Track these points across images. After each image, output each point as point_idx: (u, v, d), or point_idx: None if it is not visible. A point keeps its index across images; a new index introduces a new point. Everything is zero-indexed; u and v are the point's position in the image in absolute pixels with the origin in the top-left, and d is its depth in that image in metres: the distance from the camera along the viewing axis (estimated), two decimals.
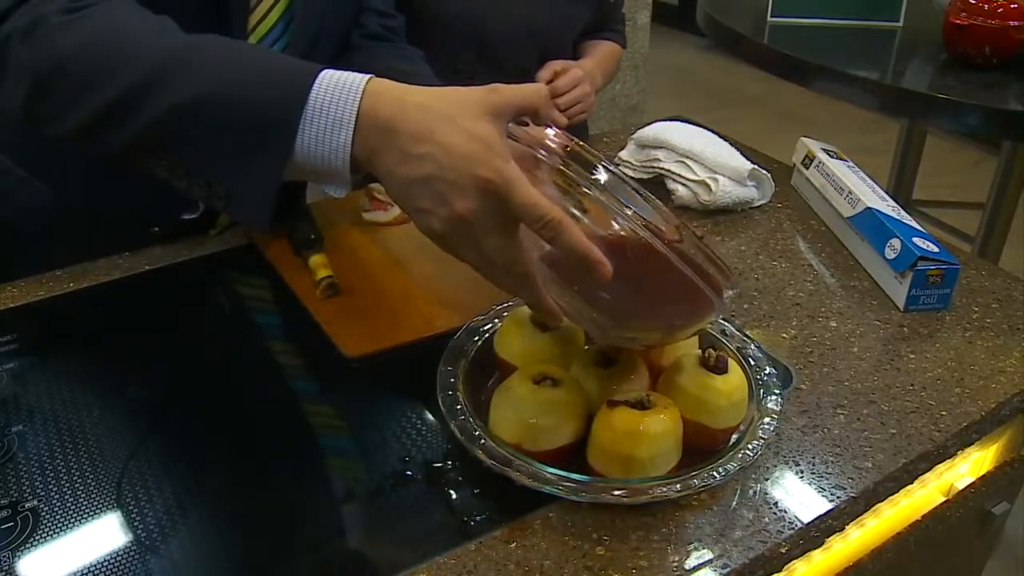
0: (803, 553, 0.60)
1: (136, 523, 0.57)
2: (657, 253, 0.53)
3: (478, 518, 0.58)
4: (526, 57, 1.19)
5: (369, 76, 0.56)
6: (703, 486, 0.57)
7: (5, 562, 0.54)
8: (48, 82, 0.61)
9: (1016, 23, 1.28)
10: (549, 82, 1.16)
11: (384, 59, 0.96)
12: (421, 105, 0.54)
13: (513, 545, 0.56)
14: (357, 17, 0.96)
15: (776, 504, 0.60)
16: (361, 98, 0.55)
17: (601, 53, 1.29)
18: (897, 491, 0.65)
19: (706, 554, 0.56)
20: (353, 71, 0.56)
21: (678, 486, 0.57)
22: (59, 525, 0.56)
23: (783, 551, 0.57)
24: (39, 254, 0.84)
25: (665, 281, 0.56)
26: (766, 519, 0.59)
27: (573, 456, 0.61)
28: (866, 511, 0.63)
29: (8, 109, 0.63)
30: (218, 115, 0.56)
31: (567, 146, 0.55)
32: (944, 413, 0.69)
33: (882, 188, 0.93)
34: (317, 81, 0.55)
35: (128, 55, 0.59)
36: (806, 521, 0.59)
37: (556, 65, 1.17)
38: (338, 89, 0.55)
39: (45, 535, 0.56)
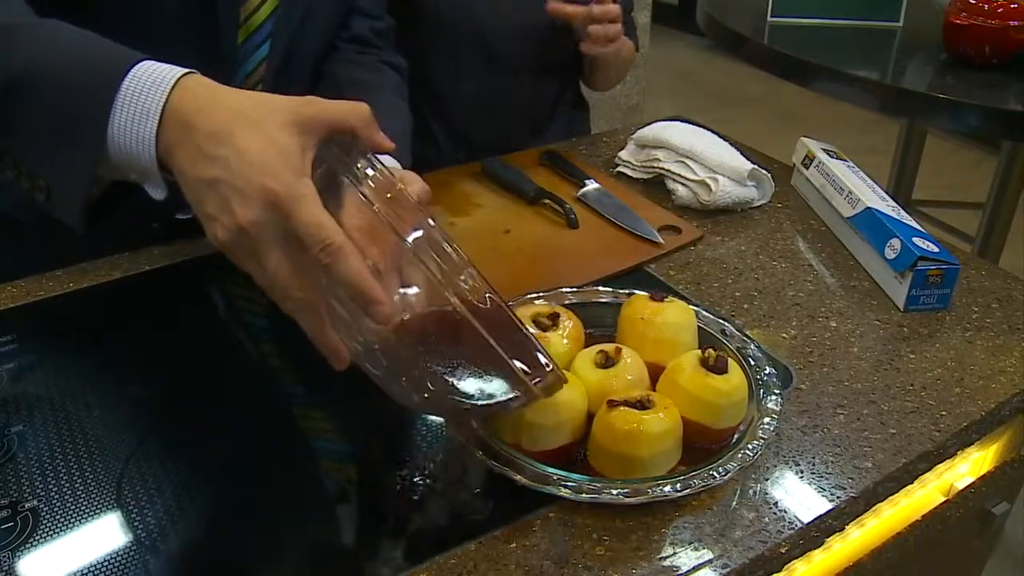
0: (803, 553, 0.60)
1: (136, 523, 0.57)
2: (464, 321, 0.49)
3: (478, 518, 0.58)
4: (527, 56, 1.19)
5: (189, 71, 0.54)
6: (703, 486, 0.57)
7: (5, 562, 0.54)
8: None
9: (1016, 23, 1.28)
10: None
11: (349, 68, 0.94)
12: (228, 106, 0.52)
13: (513, 545, 0.56)
14: (344, 18, 0.96)
15: (776, 504, 0.60)
16: (171, 90, 0.52)
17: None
18: (897, 491, 0.65)
19: (706, 554, 0.56)
20: (179, 66, 0.54)
21: (678, 486, 0.57)
22: (59, 525, 0.56)
23: (783, 551, 0.57)
24: (40, 250, 0.84)
25: (471, 351, 0.51)
26: (766, 519, 0.59)
27: (573, 456, 0.61)
28: (866, 511, 0.63)
29: None
30: (34, 97, 0.54)
31: (387, 192, 0.51)
32: (944, 413, 0.69)
33: (882, 188, 0.93)
34: (133, 70, 0.53)
35: None
36: (806, 521, 0.59)
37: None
38: (151, 79, 0.53)
39: (45, 535, 0.56)
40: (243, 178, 0.49)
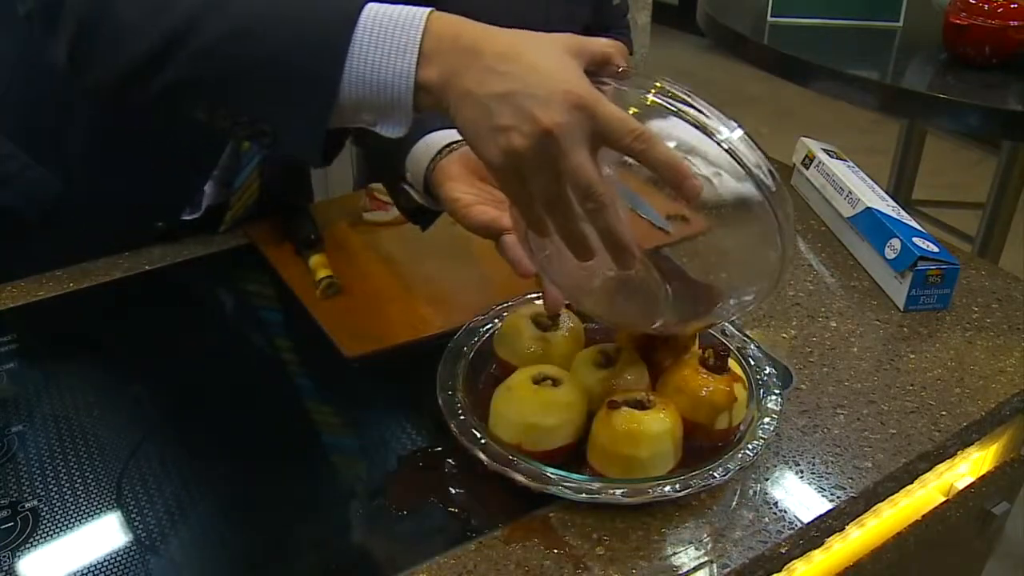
0: (803, 553, 0.60)
1: (136, 523, 0.57)
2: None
3: (478, 518, 0.58)
4: None
5: (430, 8, 0.56)
6: (703, 486, 0.57)
7: (5, 562, 0.54)
8: (93, 21, 0.59)
9: (1016, 23, 1.28)
10: None
11: None
12: (506, 33, 0.54)
13: (513, 545, 0.56)
14: None
15: (776, 504, 0.60)
16: (426, 24, 0.54)
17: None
18: (897, 491, 0.65)
19: (706, 554, 0.56)
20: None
21: (678, 486, 0.57)
22: (59, 525, 0.56)
23: (783, 551, 0.57)
24: (42, 247, 0.84)
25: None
26: (766, 519, 0.59)
27: (573, 456, 0.61)
28: (866, 511, 0.63)
29: (55, 57, 0.62)
30: (259, 46, 0.56)
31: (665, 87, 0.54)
32: (944, 413, 0.69)
33: (882, 188, 0.93)
34: (367, 8, 0.55)
35: None
36: (806, 521, 0.59)
37: None
38: (396, 17, 0.54)
39: (45, 535, 0.56)
40: (542, 87, 0.50)
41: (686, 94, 0.54)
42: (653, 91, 0.54)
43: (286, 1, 0.57)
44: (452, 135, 0.75)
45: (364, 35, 0.54)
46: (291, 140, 0.58)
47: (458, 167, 0.73)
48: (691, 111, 0.53)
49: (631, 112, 0.52)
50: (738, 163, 0.53)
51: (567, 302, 0.67)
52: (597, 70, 0.55)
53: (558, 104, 0.50)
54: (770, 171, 0.54)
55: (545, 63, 0.52)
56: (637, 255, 0.55)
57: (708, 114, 0.54)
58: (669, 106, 0.53)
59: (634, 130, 0.51)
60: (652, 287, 0.62)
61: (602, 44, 0.55)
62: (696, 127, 0.53)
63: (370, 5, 0.55)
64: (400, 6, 0.55)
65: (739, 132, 0.54)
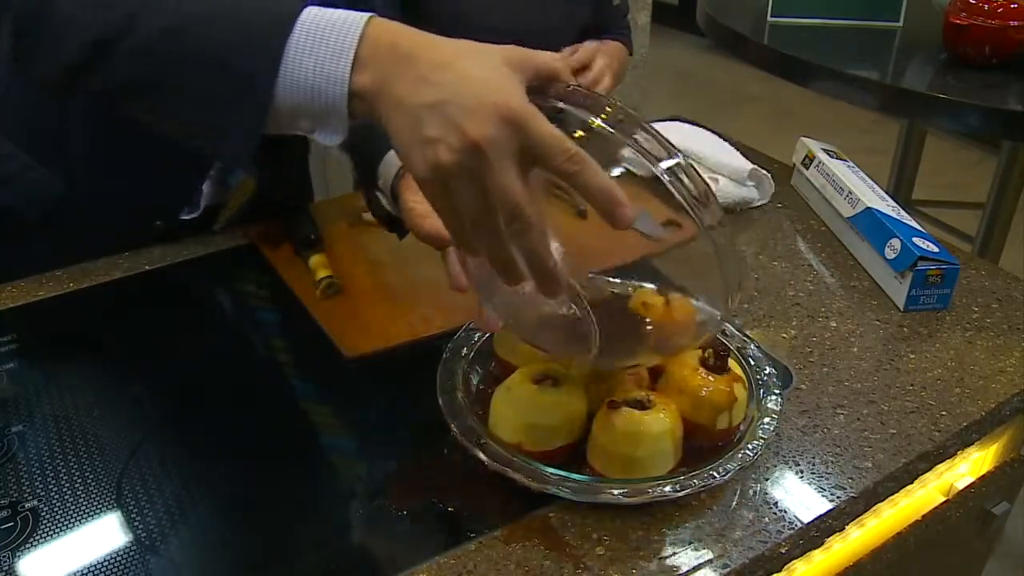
0: (803, 553, 0.60)
1: (136, 523, 0.57)
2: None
3: (478, 518, 0.58)
4: None
5: (371, 13, 0.54)
6: (703, 486, 0.57)
7: (5, 562, 0.54)
8: (35, 14, 0.58)
9: (1016, 23, 1.28)
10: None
11: None
12: (445, 42, 0.53)
13: (513, 545, 0.56)
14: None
15: (776, 504, 0.60)
16: (364, 29, 0.53)
17: (608, 49, 1.29)
18: (897, 491, 0.65)
19: (706, 554, 0.56)
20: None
21: (678, 486, 0.57)
22: (59, 525, 0.56)
23: (783, 551, 0.57)
24: (42, 247, 0.84)
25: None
26: (766, 519, 0.59)
27: (573, 456, 0.61)
28: (866, 511, 0.63)
29: (2, 51, 0.61)
30: (200, 43, 0.55)
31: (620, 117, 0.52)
32: (944, 413, 0.69)
33: (882, 188, 0.93)
34: (305, 12, 0.54)
35: None
36: (806, 521, 0.59)
37: (566, 51, 1.17)
38: (334, 21, 0.53)
39: (45, 535, 0.56)
40: (474, 98, 0.48)
41: (637, 121, 0.52)
42: (603, 116, 0.51)
43: (226, 2, 0.56)
44: None
45: (301, 38, 0.53)
46: (227, 145, 0.56)
47: None
48: (637, 138, 0.51)
49: (576, 135, 0.50)
50: (674, 193, 0.51)
51: (502, 324, 0.64)
52: (543, 86, 0.53)
53: (488, 117, 0.48)
54: (715, 203, 0.53)
55: (481, 74, 0.50)
56: (563, 284, 0.52)
57: (654, 142, 0.52)
58: (614, 131, 0.51)
59: (567, 150, 0.48)
60: (583, 320, 0.59)
61: (548, 58, 0.53)
62: (640, 154, 0.51)
63: (309, 8, 0.54)
64: (339, 10, 0.54)
65: (681, 161, 0.52)
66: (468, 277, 0.62)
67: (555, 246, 0.52)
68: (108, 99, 0.60)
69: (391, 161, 0.75)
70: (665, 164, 0.51)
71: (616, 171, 0.52)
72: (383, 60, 0.52)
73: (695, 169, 0.52)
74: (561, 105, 0.52)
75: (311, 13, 0.54)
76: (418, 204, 0.69)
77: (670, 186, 0.51)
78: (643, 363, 0.65)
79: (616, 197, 0.49)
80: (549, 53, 0.54)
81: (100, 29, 0.56)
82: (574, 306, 0.59)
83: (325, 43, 0.52)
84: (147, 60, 0.56)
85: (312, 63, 0.52)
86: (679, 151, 0.52)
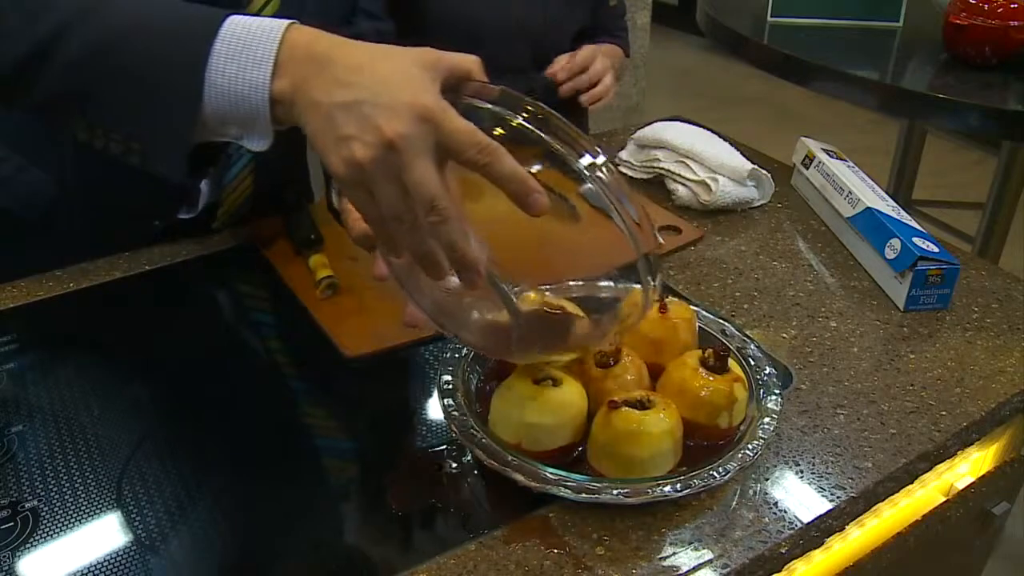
0: (803, 553, 0.60)
1: (136, 523, 0.57)
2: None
3: (478, 518, 0.58)
4: (520, 57, 1.19)
5: (291, 20, 0.56)
6: (703, 486, 0.57)
7: (5, 562, 0.54)
8: None
9: (1016, 23, 1.28)
10: (559, 79, 1.16)
11: None
12: (360, 46, 0.54)
13: (513, 545, 0.56)
14: (348, 19, 0.96)
15: (776, 504, 0.60)
16: (283, 35, 0.54)
17: (606, 51, 1.29)
18: (897, 491, 0.65)
19: (706, 554, 0.56)
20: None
21: (678, 486, 0.57)
22: (59, 525, 0.56)
23: (783, 551, 0.57)
24: (41, 247, 0.84)
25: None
26: (766, 519, 0.59)
27: (573, 456, 0.61)
28: (866, 511, 0.63)
29: None
30: (124, 60, 0.56)
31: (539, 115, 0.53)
32: (944, 413, 0.69)
33: (882, 188, 0.93)
34: (226, 23, 0.55)
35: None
36: (806, 521, 0.59)
37: (563, 58, 1.17)
38: (254, 30, 0.54)
39: (45, 535, 0.56)
40: (389, 96, 0.50)
41: (557, 119, 0.53)
42: (524, 115, 0.53)
43: (153, 14, 0.57)
44: None
45: (223, 48, 0.54)
46: (158, 156, 0.57)
47: None
48: (556, 136, 0.52)
49: (496, 133, 0.52)
50: (600, 190, 0.52)
51: (427, 320, 0.64)
52: (457, 84, 0.54)
53: (402, 115, 0.50)
54: (632, 202, 0.54)
55: (395, 76, 0.51)
56: (482, 273, 0.54)
57: (573, 141, 0.52)
58: (533, 130, 0.52)
59: (479, 143, 0.50)
60: (504, 315, 0.61)
61: (460, 59, 0.55)
62: (558, 153, 0.52)
63: (232, 18, 0.55)
64: (261, 18, 0.55)
65: (602, 159, 0.53)
66: (392, 275, 0.63)
67: (476, 241, 0.54)
68: (45, 112, 0.60)
69: None
70: (585, 161, 0.52)
71: (536, 167, 0.53)
72: (300, 64, 0.53)
73: (614, 166, 0.53)
74: (476, 102, 0.54)
75: (234, 22, 0.55)
76: (350, 205, 0.70)
77: (590, 182, 0.52)
78: (561, 357, 0.64)
79: (529, 184, 0.51)
80: (462, 54, 0.56)
81: (34, 42, 0.57)
82: (495, 294, 0.60)
83: (246, 51, 0.54)
84: (76, 75, 0.57)
85: (234, 70, 0.54)
86: (598, 148, 0.53)
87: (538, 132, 0.52)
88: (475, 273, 0.54)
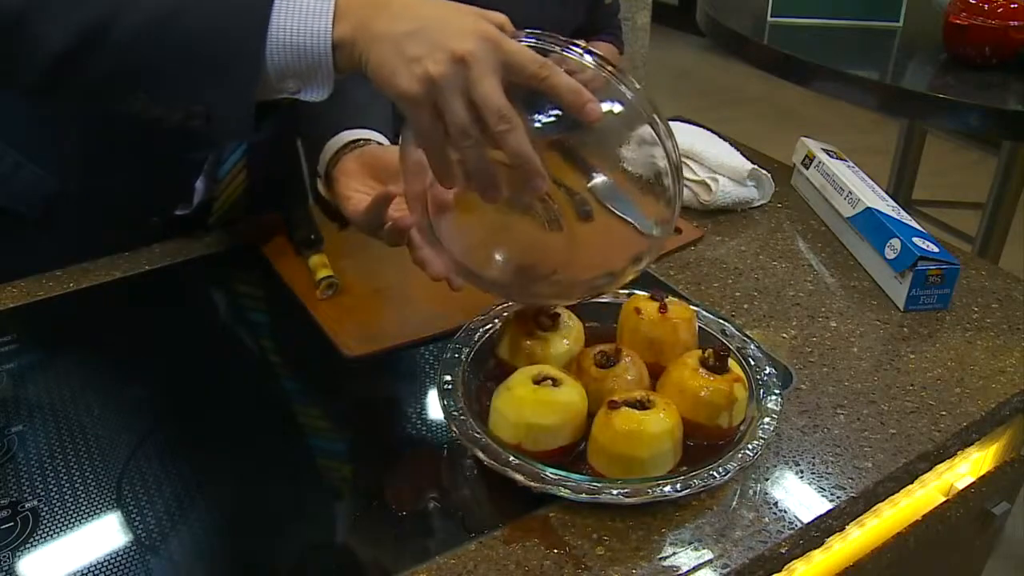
0: (803, 553, 0.60)
1: (136, 523, 0.57)
2: None
3: (478, 518, 0.58)
4: None
5: None
6: (703, 486, 0.57)
7: (5, 562, 0.54)
8: (19, 13, 0.58)
9: (1016, 23, 1.28)
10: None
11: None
12: None
13: (513, 545, 0.56)
14: None
15: (776, 504, 0.60)
16: None
17: (602, 49, 1.29)
18: (897, 491, 0.65)
19: (706, 554, 0.56)
20: None
21: (678, 486, 0.57)
22: (59, 525, 0.56)
23: (783, 551, 0.57)
24: (39, 244, 0.84)
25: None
26: (766, 519, 0.59)
27: (573, 456, 0.61)
28: (866, 511, 0.63)
29: None
30: (188, 24, 0.57)
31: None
32: (944, 413, 0.69)
33: (882, 188, 0.93)
34: None
35: None
36: (806, 521, 0.59)
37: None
38: None
39: (45, 535, 0.56)
40: (454, 23, 0.54)
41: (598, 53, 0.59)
42: (568, 47, 0.59)
43: None
44: (360, 133, 0.77)
45: (283, 3, 0.56)
46: (223, 117, 0.59)
47: (355, 164, 0.74)
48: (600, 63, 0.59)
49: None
50: (609, 77, 0.58)
51: (454, 275, 0.67)
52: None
53: (468, 36, 0.53)
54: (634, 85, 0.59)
55: (449, 11, 0.56)
56: (546, 176, 0.57)
57: (615, 68, 0.59)
58: (580, 55, 0.58)
59: (537, 59, 0.55)
60: (549, 233, 0.63)
61: (493, 12, 0.58)
62: (608, 75, 0.58)
63: None
64: None
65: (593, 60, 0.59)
66: (430, 241, 0.66)
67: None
68: (96, 94, 0.61)
69: (328, 149, 0.77)
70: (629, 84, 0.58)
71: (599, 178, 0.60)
72: (358, 8, 0.56)
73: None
74: (521, 37, 0.58)
75: None
76: (355, 193, 0.72)
77: (630, 91, 0.59)
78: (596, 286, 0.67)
79: (584, 94, 0.55)
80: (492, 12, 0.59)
81: (80, 29, 0.57)
82: (545, 207, 0.62)
83: (306, 4, 0.56)
84: (134, 51, 0.58)
85: (295, 23, 0.56)
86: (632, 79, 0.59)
87: (584, 57, 0.58)
88: (540, 176, 0.56)
